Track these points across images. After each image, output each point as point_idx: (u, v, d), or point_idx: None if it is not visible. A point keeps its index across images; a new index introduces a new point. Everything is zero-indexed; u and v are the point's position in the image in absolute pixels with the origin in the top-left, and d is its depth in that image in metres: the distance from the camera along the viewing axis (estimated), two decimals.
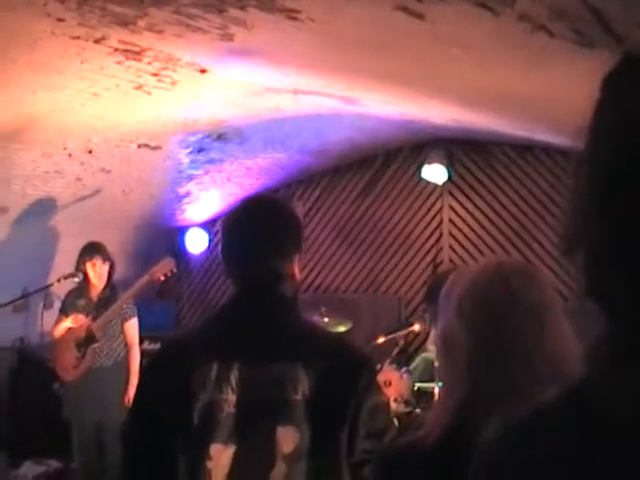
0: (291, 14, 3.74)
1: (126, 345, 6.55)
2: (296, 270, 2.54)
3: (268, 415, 2.31)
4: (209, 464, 2.31)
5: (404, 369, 6.27)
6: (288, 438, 2.30)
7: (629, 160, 0.82)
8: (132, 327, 6.59)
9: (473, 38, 3.61)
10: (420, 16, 3.31)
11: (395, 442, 2.11)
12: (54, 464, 6.97)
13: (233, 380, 2.32)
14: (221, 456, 2.31)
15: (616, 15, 2.78)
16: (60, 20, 4.06)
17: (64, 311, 6.50)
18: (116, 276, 6.64)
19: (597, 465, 0.81)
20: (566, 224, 0.91)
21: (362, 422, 2.37)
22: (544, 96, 4.71)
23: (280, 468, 2.30)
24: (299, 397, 2.30)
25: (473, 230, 8.13)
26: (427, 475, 1.70)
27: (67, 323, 6.39)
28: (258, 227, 2.48)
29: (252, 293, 2.47)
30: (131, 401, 6.36)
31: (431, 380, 5.49)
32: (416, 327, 5.13)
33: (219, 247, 2.56)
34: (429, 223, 8.36)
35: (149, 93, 5.52)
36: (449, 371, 1.76)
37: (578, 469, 0.82)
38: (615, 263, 0.84)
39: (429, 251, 8.35)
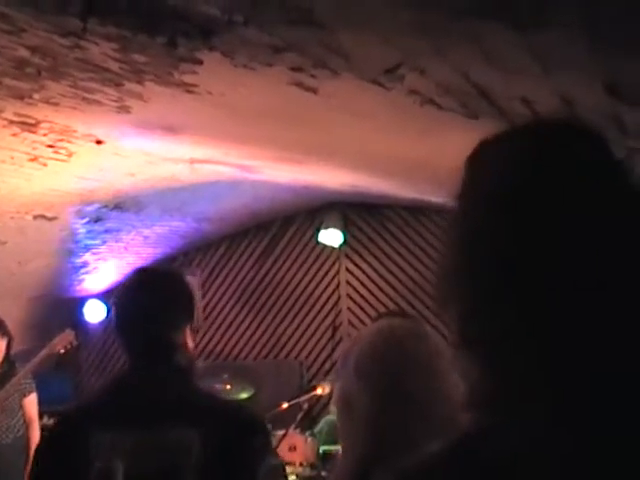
0: (188, 88, 3.82)
1: (25, 421, 6.38)
2: (189, 340, 2.60)
3: None
4: None
5: (308, 433, 6.28)
6: None
7: (490, 229, 0.95)
8: (31, 403, 6.42)
9: (365, 109, 3.75)
10: (314, 90, 3.44)
11: None
12: None
13: (126, 448, 2.35)
14: None
15: (498, 90, 2.96)
16: None
17: None
18: (13, 349, 6.49)
19: None
20: (439, 281, 1.02)
21: None
22: (434, 161, 4.89)
23: None
24: (192, 462, 2.33)
25: (370, 291, 8.27)
26: None
27: None
28: (149, 298, 2.55)
29: (145, 363, 2.52)
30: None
31: (336, 442, 5.51)
32: (319, 391, 5.16)
33: (112, 318, 2.60)
34: (327, 286, 8.47)
35: (45, 164, 5.49)
36: (350, 431, 1.82)
37: None
38: (484, 315, 0.94)
39: (328, 314, 8.44)
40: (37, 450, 2.60)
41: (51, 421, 7.29)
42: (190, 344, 2.60)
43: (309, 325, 8.52)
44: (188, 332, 2.59)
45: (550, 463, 0.87)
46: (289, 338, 8.60)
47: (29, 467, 6.05)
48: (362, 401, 1.76)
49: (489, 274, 0.94)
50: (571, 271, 0.90)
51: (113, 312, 2.60)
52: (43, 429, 6.51)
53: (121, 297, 2.61)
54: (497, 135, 1.02)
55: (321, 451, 5.99)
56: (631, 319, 0.89)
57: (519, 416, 0.90)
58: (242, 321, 8.77)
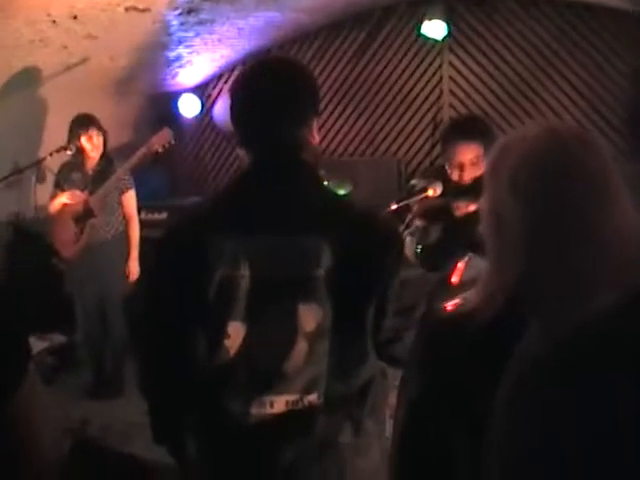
0: None
1: (125, 217, 6.42)
2: (315, 135, 2.33)
3: (289, 291, 2.18)
4: (227, 342, 2.21)
5: (407, 232, 6.15)
6: (310, 315, 2.18)
7: None
8: (130, 199, 6.44)
9: None
10: None
11: (442, 315, 1.97)
12: (57, 338, 6.95)
13: (251, 254, 2.17)
14: (239, 334, 2.20)
15: None
16: None
17: (59, 186, 6.33)
18: (109, 146, 6.43)
19: None
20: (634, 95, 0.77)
21: (390, 299, 2.28)
22: None
23: (301, 346, 2.20)
24: (322, 272, 2.16)
25: (474, 87, 7.87)
26: (471, 354, 1.55)
27: (63, 198, 6.23)
28: (272, 89, 2.26)
29: (272, 160, 2.27)
30: (132, 273, 6.33)
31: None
32: (430, 192, 4.87)
33: (227, 112, 2.33)
34: (428, 81, 8.07)
35: None
36: (500, 250, 1.59)
37: None
38: None
39: (429, 110, 8.11)
40: (157, 251, 2.40)
41: (149, 216, 7.36)
42: (316, 140, 2.34)
43: (408, 122, 8.21)
44: (314, 126, 2.33)
45: None
46: (387, 135, 8.33)
47: (131, 262, 6.27)
48: (516, 220, 1.54)
49: None
50: None
51: (231, 106, 2.31)
52: (141, 224, 6.56)
53: (242, 88, 2.33)
54: None
55: (418, 250, 5.87)
56: None
57: None
58: (338, 117, 8.51)
